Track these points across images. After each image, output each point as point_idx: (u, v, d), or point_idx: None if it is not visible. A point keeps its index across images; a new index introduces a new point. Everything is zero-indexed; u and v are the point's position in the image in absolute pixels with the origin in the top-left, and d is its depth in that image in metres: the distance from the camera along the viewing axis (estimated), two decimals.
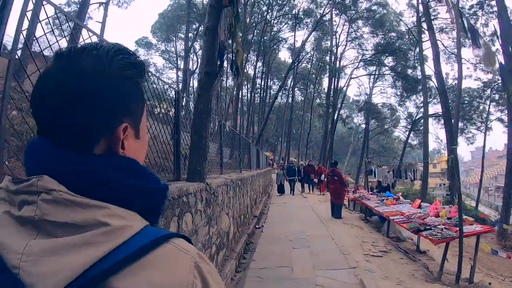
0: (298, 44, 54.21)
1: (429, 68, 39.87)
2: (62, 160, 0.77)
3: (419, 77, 43.87)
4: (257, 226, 12.63)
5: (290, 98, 60.99)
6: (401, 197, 14.18)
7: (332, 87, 50.15)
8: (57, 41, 2.98)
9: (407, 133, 52.54)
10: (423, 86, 37.12)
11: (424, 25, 34.74)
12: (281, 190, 25.00)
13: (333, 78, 50.20)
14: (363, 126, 61.21)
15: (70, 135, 0.78)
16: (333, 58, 51.05)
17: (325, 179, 22.23)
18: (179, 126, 6.16)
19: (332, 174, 15.02)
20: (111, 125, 0.82)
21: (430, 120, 48.50)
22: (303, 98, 65.67)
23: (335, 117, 50.66)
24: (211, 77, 6.32)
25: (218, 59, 6.38)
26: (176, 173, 5.99)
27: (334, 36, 51.26)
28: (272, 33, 55.48)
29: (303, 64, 61.44)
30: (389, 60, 49.66)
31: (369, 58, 50.68)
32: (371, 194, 15.99)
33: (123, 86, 0.84)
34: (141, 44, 62.51)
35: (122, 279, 0.65)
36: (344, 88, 54.10)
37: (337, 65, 51.21)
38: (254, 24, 50.92)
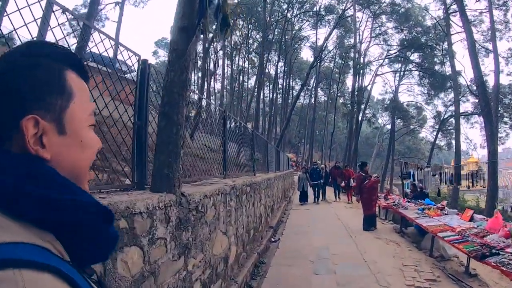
0: (320, 42, 51.59)
1: (458, 63, 37.19)
2: None
3: (448, 73, 41.33)
4: (272, 239, 10.41)
5: (313, 99, 59.32)
6: (446, 206, 11.71)
7: (357, 85, 47.77)
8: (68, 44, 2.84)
9: (434, 133, 49.98)
10: (453, 81, 34.59)
11: (453, 18, 32.27)
12: (304, 197, 19.91)
13: (357, 75, 47.84)
14: (388, 126, 59.13)
15: None
16: (357, 54, 48.65)
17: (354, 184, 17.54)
18: (145, 107, 4.15)
19: (364, 179, 12.60)
20: (14, 116, 0.75)
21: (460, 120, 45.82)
22: (326, 98, 63.84)
23: (360, 116, 48.14)
24: (188, 33, 4.07)
25: (198, 7, 4.12)
26: (137, 177, 4.04)
27: (357, 33, 49.02)
28: (293, 31, 53.74)
29: (326, 63, 59.93)
30: (415, 57, 46.97)
31: (394, 54, 47.87)
32: (408, 201, 13.45)
33: (30, 76, 0.78)
34: (161, 45, 61.30)
35: None
36: (369, 87, 51.58)
37: (361, 61, 48.60)
38: (274, 23, 48.79)
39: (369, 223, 12.02)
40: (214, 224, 5.27)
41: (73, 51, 0.90)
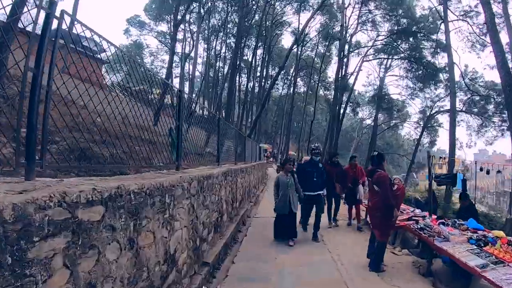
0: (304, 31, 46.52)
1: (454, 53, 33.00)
2: None
3: (440, 65, 36.82)
4: None
5: (291, 88, 54.78)
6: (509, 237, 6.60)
7: (341, 71, 42.72)
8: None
9: (418, 129, 45.69)
10: (450, 70, 29.98)
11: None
12: (282, 229, 9.26)
13: (342, 60, 42.76)
14: (368, 121, 55.16)
15: None
16: (343, 32, 43.59)
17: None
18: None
19: (374, 180, 7.03)
20: None
21: (445, 116, 41.82)
22: (305, 89, 59.19)
23: (343, 105, 43.28)
24: None
25: None
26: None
27: (344, 17, 43.97)
28: (275, 15, 49.06)
29: (307, 52, 56.00)
30: (404, 48, 41.96)
31: (383, 41, 42.94)
32: (441, 223, 7.60)
33: None
34: (133, 23, 56.05)
35: None
36: (354, 75, 46.66)
37: (346, 48, 43.62)
38: (255, 4, 43.58)
39: (380, 257, 6.94)
40: None
41: None
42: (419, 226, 7.46)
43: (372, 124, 49.20)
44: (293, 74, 55.13)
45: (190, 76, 54.02)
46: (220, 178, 7.67)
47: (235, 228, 9.12)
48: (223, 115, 36.06)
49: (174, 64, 53.67)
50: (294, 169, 9.60)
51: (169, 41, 47.48)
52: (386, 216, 6.66)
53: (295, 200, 8.99)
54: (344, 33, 43.36)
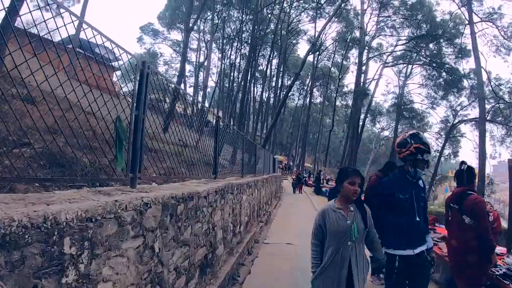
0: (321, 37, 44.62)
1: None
2: None
3: (464, 71, 34.43)
4: None
5: (308, 99, 53.40)
6: None
7: (360, 78, 40.38)
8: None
9: (440, 140, 42.80)
10: (477, 76, 27.56)
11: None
12: None
13: (361, 58, 40.34)
14: (386, 132, 52.57)
15: None
16: (362, 35, 41.78)
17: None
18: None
19: (467, 207, 4.43)
20: None
21: (467, 126, 39.28)
22: (322, 99, 57.32)
23: (366, 111, 40.99)
24: None
25: None
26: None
27: (362, 20, 41.65)
28: (290, 22, 47.49)
29: (323, 62, 54.60)
30: (425, 54, 39.59)
31: (403, 46, 40.59)
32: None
33: None
34: (146, 31, 55.94)
35: None
36: (373, 83, 44.23)
37: (364, 55, 41.41)
38: (269, 13, 42.46)
39: None
40: None
41: None
42: (501, 271, 4.79)
43: (389, 135, 46.78)
44: (309, 84, 53.36)
45: (203, 85, 53.02)
46: (212, 198, 5.51)
47: (236, 261, 6.85)
48: (237, 125, 34.55)
49: (188, 74, 52.75)
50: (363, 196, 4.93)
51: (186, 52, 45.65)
52: (482, 262, 4.30)
53: (363, 269, 3.62)
54: (363, 36, 41.42)
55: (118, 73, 19.11)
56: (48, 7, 2.78)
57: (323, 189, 28.91)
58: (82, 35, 2.82)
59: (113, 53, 3.42)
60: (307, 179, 36.57)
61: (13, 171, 3.27)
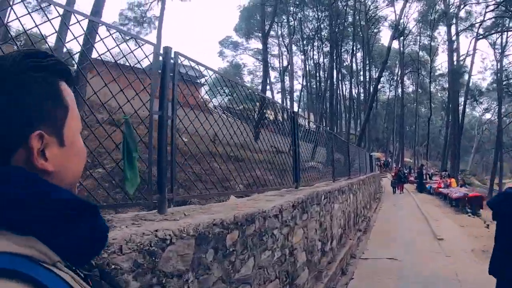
0: (401, 20, 42.15)
1: None
2: None
3: None
4: None
5: (399, 89, 52.30)
6: None
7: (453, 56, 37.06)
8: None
9: None
10: None
11: None
12: None
13: (450, 32, 37.05)
14: (488, 115, 48.87)
15: None
16: (448, 6, 38.84)
17: None
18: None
19: None
20: (22, 133, 0.73)
21: None
22: (414, 87, 55.61)
23: (465, 92, 37.44)
24: None
25: None
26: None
27: None
28: (368, 11, 45.16)
29: (410, 47, 51.66)
30: None
31: (493, 11, 36.17)
32: None
33: (32, 91, 0.75)
34: (226, 44, 57.23)
35: None
36: (468, 59, 40.33)
37: (453, 30, 37.92)
38: (345, 8, 41.86)
39: None
40: None
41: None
42: None
43: (492, 118, 42.18)
44: (398, 73, 51.41)
45: (289, 89, 52.21)
46: (287, 215, 4.41)
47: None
48: (328, 125, 34.92)
49: (274, 80, 52.58)
50: None
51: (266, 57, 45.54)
52: None
53: None
54: (447, 8, 38.53)
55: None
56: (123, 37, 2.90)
57: (427, 185, 26.27)
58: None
59: (199, 71, 3.63)
60: (408, 175, 33.58)
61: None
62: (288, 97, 52.05)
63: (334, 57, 39.55)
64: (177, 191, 3.28)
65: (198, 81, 6.99)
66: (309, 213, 5.39)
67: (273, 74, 56.46)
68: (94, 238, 0.80)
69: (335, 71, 42.65)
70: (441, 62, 47.53)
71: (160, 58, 2.92)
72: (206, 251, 2.61)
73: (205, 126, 3.58)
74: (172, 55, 2.97)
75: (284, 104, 44.55)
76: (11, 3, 2.30)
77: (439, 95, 55.59)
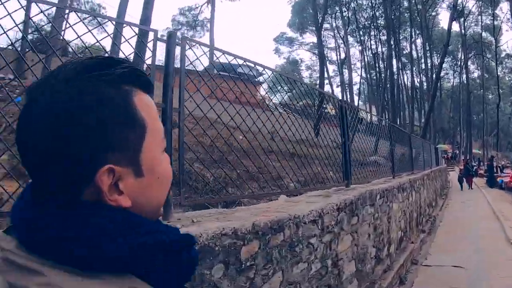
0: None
1: None
2: (25, 210, 0.66)
3: None
4: None
5: (464, 75, 50.23)
6: None
7: None
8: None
9: None
10: None
11: None
12: None
13: None
14: None
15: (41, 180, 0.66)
16: None
17: None
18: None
19: None
20: (87, 171, 0.63)
21: None
22: (479, 72, 52.68)
23: None
24: None
25: None
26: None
27: None
28: None
29: (471, 29, 48.56)
30: None
31: None
32: None
33: (94, 115, 0.62)
34: (281, 40, 57.04)
35: None
36: None
37: None
38: None
39: None
40: None
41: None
42: None
43: None
44: (461, 57, 49.16)
45: (348, 82, 51.25)
46: (330, 220, 3.84)
47: None
48: (390, 118, 33.72)
49: (333, 73, 53.89)
50: None
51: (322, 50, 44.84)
52: None
53: None
54: None
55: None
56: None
57: (498, 179, 23.92)
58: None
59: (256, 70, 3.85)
60: (477, 168, 30.99)
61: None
62: (348, 90, 51.24)
63: (392, 46, 37.91)
64: (187, 193, 3.02)
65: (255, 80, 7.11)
66: (360, 216, 4.76)
67: (331, 68, 55.81)
68: (188, 267, 0.75)
69: (394, 60, 41.05)
70: (506, 41, 44.58)
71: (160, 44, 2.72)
72: (211, 266, 2.24)
73: (259, 123, 3.56)
74: (179, 41, 2.70)
75: (344, 98, 43.89)
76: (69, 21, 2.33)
77: (507, 78, 52.77)
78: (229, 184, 6.67)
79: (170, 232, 0.70)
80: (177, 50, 2.70)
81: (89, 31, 2.28)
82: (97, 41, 2.44)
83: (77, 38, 2.36)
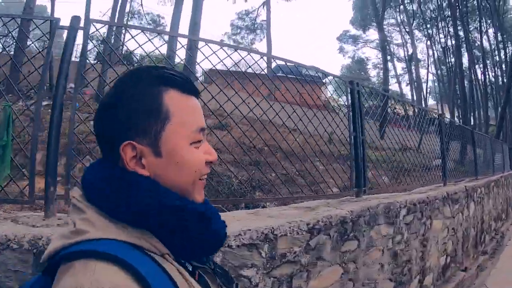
0: None
1: None
2: (86, 172, 0.87)
3: None
4: None
5: None
6: None
7: None
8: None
9: None
10: None
11: None
12: None
13: None
14: None
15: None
16: None
17: None
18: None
19: None
20: (116, 142, 0.83)
21: None
22: None
23: None
24: None
25: None
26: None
27: None
28: None
29: None
30: None
31: None
32: None
33: (132, 105, 0.84)
34: (344, 39, 55.61)
35: (59, 272, 0.72)
36: None
37: None
38: None
39: None
40: None
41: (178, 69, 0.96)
42: None
43: None
44: None
45: (415, 79, 48.42)
46: (287, 247, 2.72)
47: None
48: (460, 117, 32.58)
49: (402, 71, 53.47)
50: None
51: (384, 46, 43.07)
52: None
53: None
54: None
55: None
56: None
57: None
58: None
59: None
60: None
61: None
62: (416, 86, 48.56)
63: (465, 37, 36.50)
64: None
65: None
66: (365, 239, 3.51)
67: (399, 65, 53.93)
68: (209, 241, 0.87)
69: (466, 53, 38.18)
70: None
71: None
72: None
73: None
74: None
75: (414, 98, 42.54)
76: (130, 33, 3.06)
77: None
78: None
79: (194, 203, 0.85)
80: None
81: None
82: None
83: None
